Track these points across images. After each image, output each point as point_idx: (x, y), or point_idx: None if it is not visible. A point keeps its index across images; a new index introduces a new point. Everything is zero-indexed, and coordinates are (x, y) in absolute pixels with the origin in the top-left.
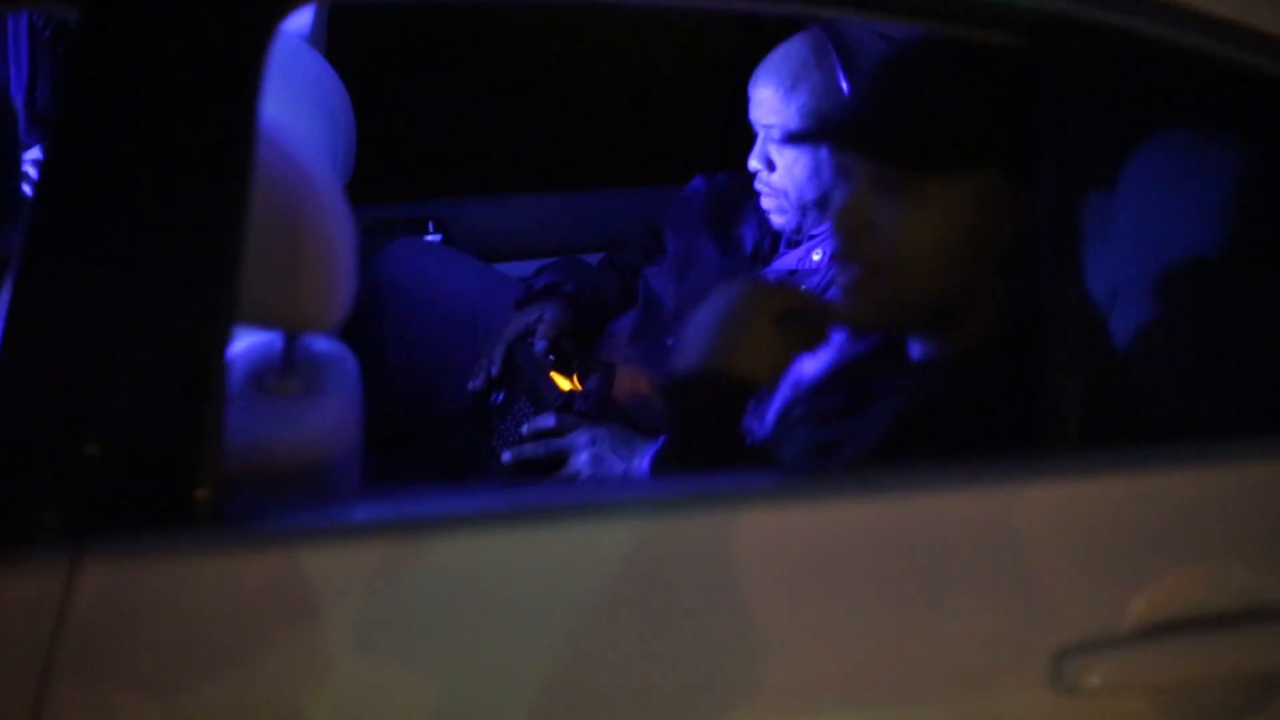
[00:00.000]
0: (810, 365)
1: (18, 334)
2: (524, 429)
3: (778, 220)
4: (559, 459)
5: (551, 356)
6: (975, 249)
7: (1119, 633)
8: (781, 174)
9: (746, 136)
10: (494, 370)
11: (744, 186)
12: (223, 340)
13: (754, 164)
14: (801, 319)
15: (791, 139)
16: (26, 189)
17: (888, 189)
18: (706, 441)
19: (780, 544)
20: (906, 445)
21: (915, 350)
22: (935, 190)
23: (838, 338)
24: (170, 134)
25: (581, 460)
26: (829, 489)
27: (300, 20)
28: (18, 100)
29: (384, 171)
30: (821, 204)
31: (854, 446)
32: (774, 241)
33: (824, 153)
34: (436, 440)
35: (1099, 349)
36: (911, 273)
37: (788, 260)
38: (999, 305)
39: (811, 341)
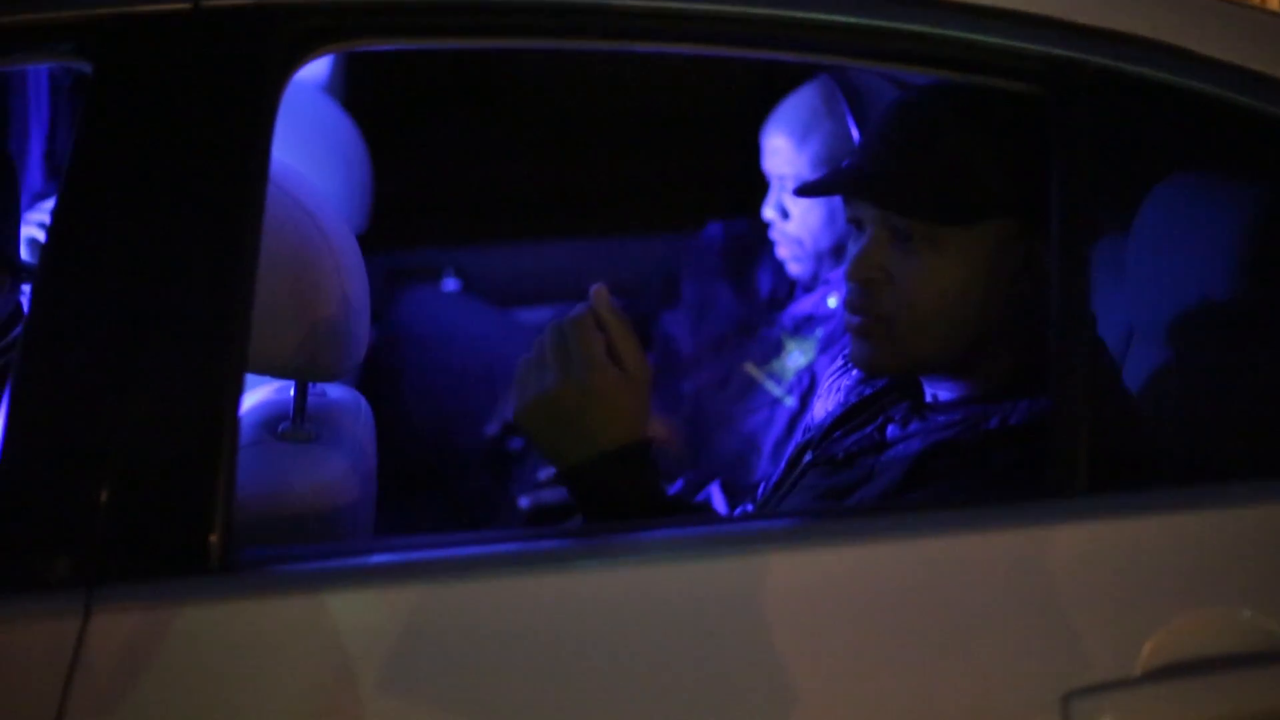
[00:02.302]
0: (821, 408)
1: (31, 382)
2: (541, 475)
3: (794, 268)
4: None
5: None
6: (990, 298)
7: (1130, 675)
8: (796, 223)
9: (763, 183)
10: (510, 417)
11: (760, 233)
12: (235, 388)
13: (769, 214)
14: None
15: (803, 192)
16: (25, 250)
17: (902, 239)
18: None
19: (798, 586)
20: (921, 489)
21: (929, 393)
22: (950, 240)
23: (848, 381)
24: (181, 184)
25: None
26: (846, 532)
27: (317, 69)
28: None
29: (400, 219)
30: (837, 251)
31: (868, 491)
32: (790, 288)
33: (838, 201)
34: (454, 486)
35: (1112, 392)
36: (925, 322)
37: (803, 305)
38: (1014, 349)
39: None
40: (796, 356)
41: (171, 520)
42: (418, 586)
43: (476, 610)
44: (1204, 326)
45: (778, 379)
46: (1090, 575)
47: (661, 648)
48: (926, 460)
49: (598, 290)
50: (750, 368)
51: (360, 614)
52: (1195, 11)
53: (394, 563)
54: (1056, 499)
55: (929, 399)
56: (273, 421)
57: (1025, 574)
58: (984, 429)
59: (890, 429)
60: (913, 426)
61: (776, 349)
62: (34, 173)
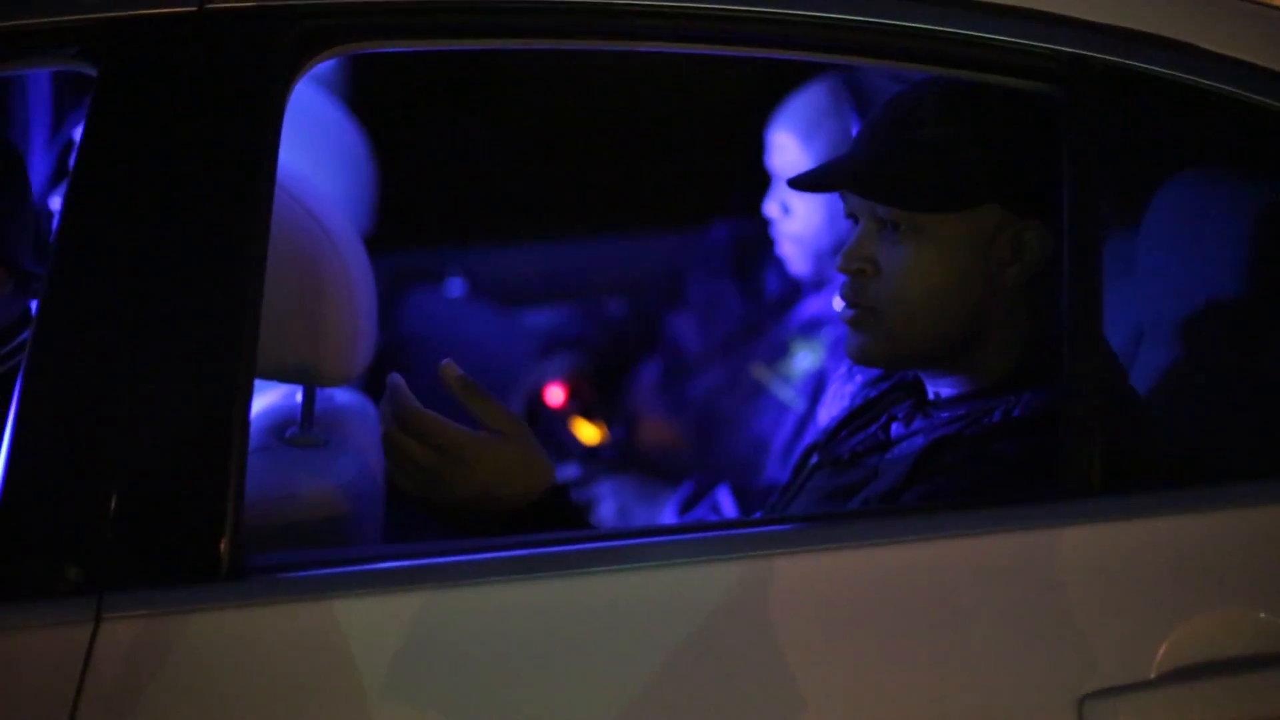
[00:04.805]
0: (827, 411)
1: (39, 388)
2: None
3: (795, 267)
4: (583, 509)
5: (574, 407)
6: (979, 287)
7: (1145, 677)
8: (798, 220)
9: (768, 182)
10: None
11: (766, 232)
12: (244, 394)
13: (771, 210)
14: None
15: (794, 184)
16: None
17: (890, 229)
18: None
19: (809, 589)
20: (924, 485)
21: (932, 391)
22: (935, 229)
23: (854, 384)
24: (187, 188)
25: (605, 510)
26: (858, 535)
27: (321, 71)
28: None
29: (405, 222)
30: (838, 250)
31: (873, 490)
32: (798, 289)
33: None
34: None
35: (1124, 392)
36: (914, 312)
37: (811, 307)
38: (1013, 342)
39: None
40: (805, 358)
41: (181, 527)
42: (426, 591)
43: (485, 615)
44: (1216, 325)
45: (786, 381)
46: (1104, 577)
47: (671, 652)
48: (929, 456)
49: (446, 365)
50: (758, 369)
51: (369, 619)
52: (1207, 9)
53: (402, 568)
54: (1070, 500)
55: (932, 396)
56: (281, 426)
57: (1039, 576)
58: (987, 423)
59: (894, 427)
60: (917, 424)
61: (784, 350)
62: (42, 176)
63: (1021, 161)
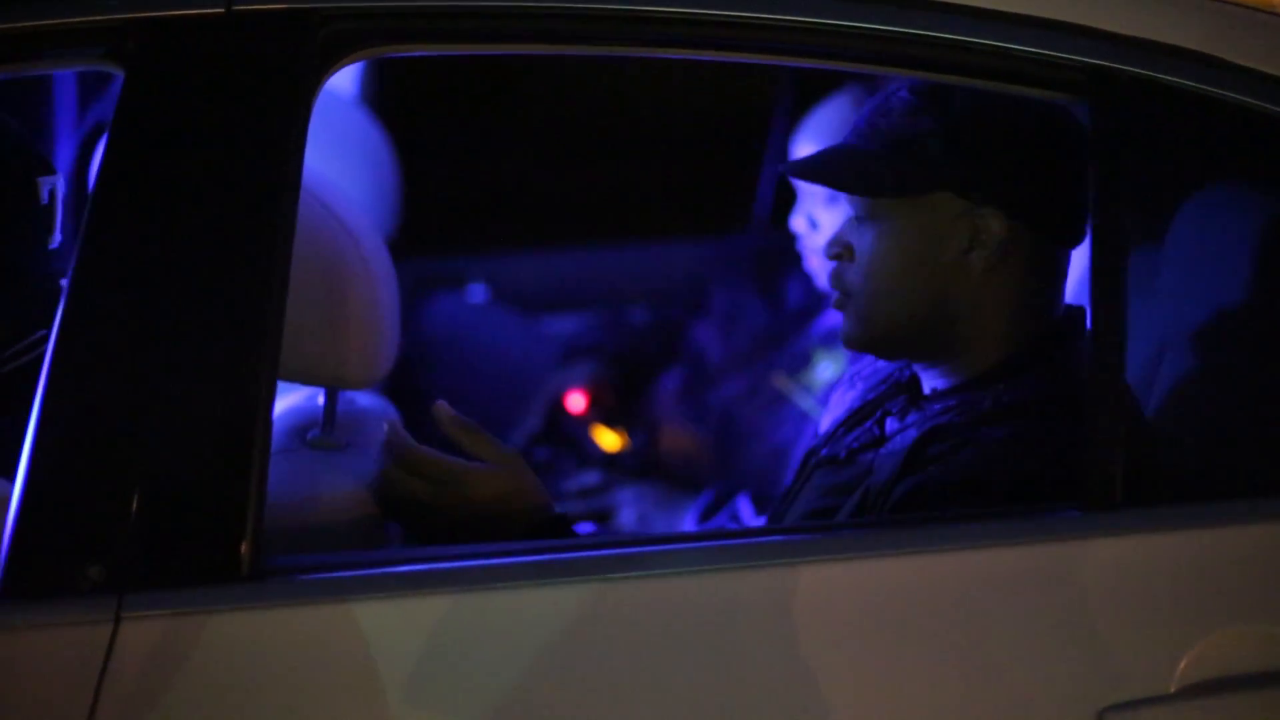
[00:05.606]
0: (832, 411)
1: (61, 391)
2: (568, 486)
3: (822, 280)
4: (603, 516)
5: (595, 413)
6: (941, 271)
7: (1165, 691)
8: (824, 234)
9: (792, 192)
10: (537, 426)
11: (790, 243)
12: (266, 396)
13: (798, 224)
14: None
15: (789, 172)
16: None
17: (860, 216)
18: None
19: (828, 599)
20: (917, 476)
21: (927, 386)
22: (894, 214)
23: (855, 389)
24: (212, 190)
25: (626, 517)
26: (878, 544)
27: (346, 76)
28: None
29: (427, 227)
30: None
31: (871, 483)
32: (819, 298)
33: None
34: None
35: (1146, 406)
36: (880, 294)
37: (833, 317)
38: (996, 331)
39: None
40: (826, 368)
41: (202, 528)
42: (446, 595)
43: (504, 619)
44: (1239, 339)
45: (807, 390)
46: (1125, 590)
47: (689, 659)
48: (921, 446)
49: (438, 406)
50: (779, 379)
51: (388, 622)
52: (1231, 21)
53: (422, 571)
54: (1092, 513)
55: (928, 391)
56: (302, 429)
57: (1060, 588)
58: (977, 410)
59: (889, 422)
60: (910, 418)
61: (806, 360)
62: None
63: (977, 151)
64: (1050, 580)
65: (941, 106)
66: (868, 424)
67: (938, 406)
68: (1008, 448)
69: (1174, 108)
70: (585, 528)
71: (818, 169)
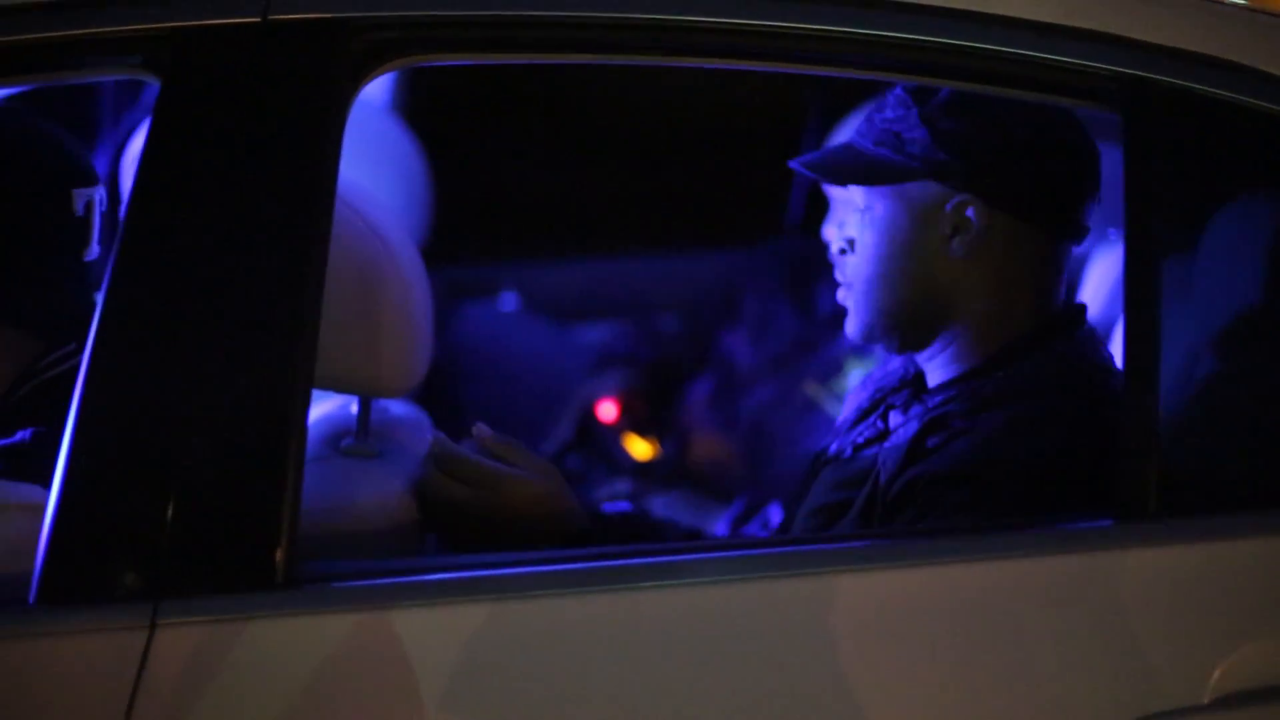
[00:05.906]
0: (844, 412)
1: (97, 398)
2: (599, 494)
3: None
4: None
5: (626, 422)
6: (927, 258)
7: (1199, 701)
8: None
9: (823, 200)
10: (568, 435)
11: (820, 250)
12: (301, 404)
13: (830, 234)
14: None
15: (802, 167)
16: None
17: (859, 211)
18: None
19: (864, 608)
20: (920, 467)
21: (931, 380)
22: (881, 205)
23: (866, 391)
24: (248, 199)
25: (657, 524)
26: (913, 554)
27: (378, 85)
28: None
29: (461, 235)
30: None
31: (875, 477)
32: None
33: None
34: None
35: (1180, 415)
36: (874, 281)
37: None
38: (991, 321)
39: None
40: (857, 375)
41: (237, 535)
42: (480, 603)
43: (538, 627)
44: (1274, 347)
45: (838, 398)
46: (1160, 599)
47: (725, 667)
48: (923, 437)
49: (477, 429)
50: (811, 387)
51: (422, 629)
52: (1266, 31)
53: (456, 579)
54: (1126, 522)
55: (931, 385)
56: (336, 437)
57: (1094, 597)
58: (979, 398)
59: (893, 416)
60: (913, 410)
61: (837, 368)
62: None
63: (956, 139)
64: (1084, 590)
65: (922, 96)
66: (872, 419)
67: (939, 398)
68: (1006, 434)
69: (1208, 117)
70: (618, 536)
71: (815, 164)
